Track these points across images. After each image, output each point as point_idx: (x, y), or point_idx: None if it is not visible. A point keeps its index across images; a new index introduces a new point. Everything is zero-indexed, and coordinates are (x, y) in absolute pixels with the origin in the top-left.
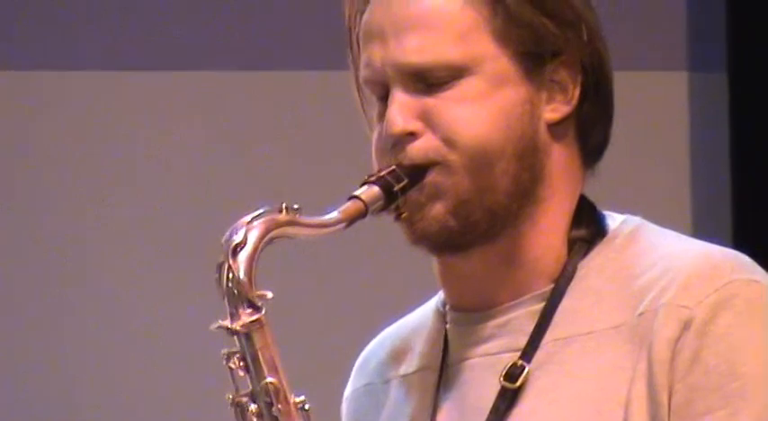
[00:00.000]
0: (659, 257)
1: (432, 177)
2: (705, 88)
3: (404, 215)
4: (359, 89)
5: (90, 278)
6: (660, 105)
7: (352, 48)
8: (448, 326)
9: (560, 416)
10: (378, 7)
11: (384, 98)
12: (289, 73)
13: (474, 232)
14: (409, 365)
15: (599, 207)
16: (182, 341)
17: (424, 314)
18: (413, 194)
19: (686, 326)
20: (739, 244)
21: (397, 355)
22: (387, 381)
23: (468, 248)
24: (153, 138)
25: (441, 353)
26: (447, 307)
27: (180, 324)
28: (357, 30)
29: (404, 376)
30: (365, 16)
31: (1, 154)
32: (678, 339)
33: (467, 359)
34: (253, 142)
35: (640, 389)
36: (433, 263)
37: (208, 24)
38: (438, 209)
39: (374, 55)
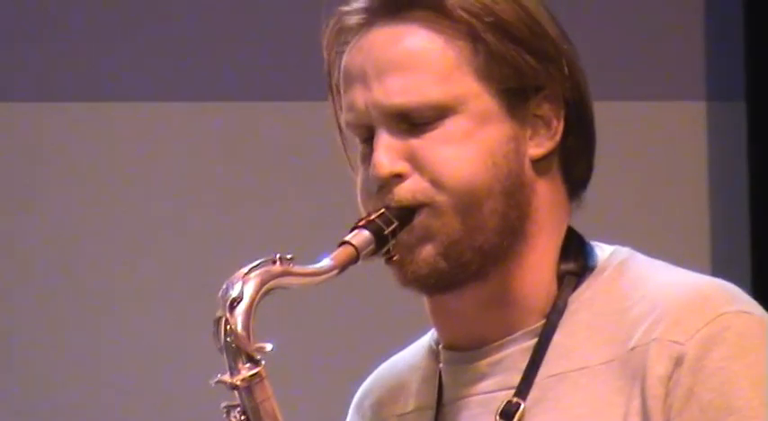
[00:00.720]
0: (648, 290)
1: (420, 219)
2: (723, 117)
3: (395, 258)
4: (341, 131)
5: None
6: (679, 135)
7: (332, 91)
8: (441, 365)
9: None
10: (358, 50)
11: (368, 140)
12: (283, 104)
13: (465, 272)
14: (405, 405)
15: (611, 236)
16: (180, 394)
17: (417, 351)
18: (403, 236)
19: (678, 362)
20: (759, 273)
21: (392, 394)
22: (386, 419)
23: (458, 287)
24: (146, 172)
25: (436, 393)
26: (440, 345)
27: (175, 370)
28: (337, 74)
29: (400, 415)
30: (345, 59)
31: None
32: (671, 376)
33: (462, 398)
34: (248, 172)
35: None
36: (425, 301)
37: (197, 55)
38: (428, 251)
39: (356, 98)
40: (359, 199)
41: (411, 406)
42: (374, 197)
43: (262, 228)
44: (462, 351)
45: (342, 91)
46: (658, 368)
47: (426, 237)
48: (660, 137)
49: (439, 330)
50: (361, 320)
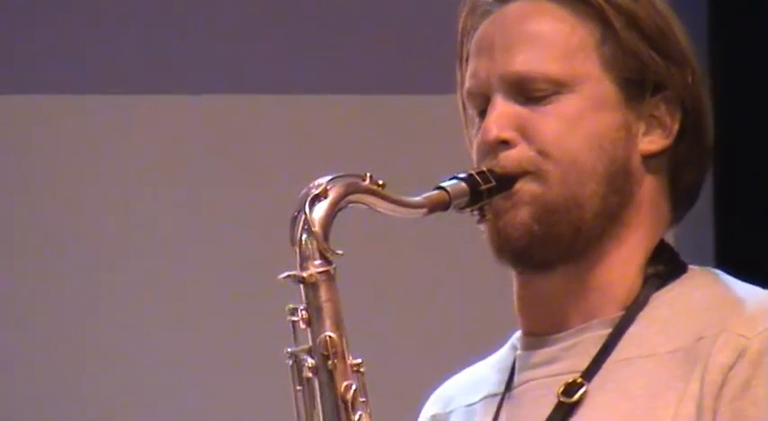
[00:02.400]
0: (729, 296)
1: (521, 184)
2: None
3: (487, 217)
4: (464, 108)
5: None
6: None
7: (460, 63)
8: (518, 352)
9: None
10: (491, 24)
11: (484, 113)
12: (285, 96)
13: (556, 245)
14: (476, 395)
15: None
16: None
17: (501, 352)
18: (499, 202)
19: (742, 354)
20: (721, 257)
21: (467, 388)
22: (451, 411)
23: (548, 267)
24: (138, 163)
25: (507, 379)
26: (519, 336)
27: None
28: (467, 47)
29: (468, 405)
30: (478, 32)
31: None
32: (732, 366)
33: (530, 380)
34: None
35: (689, 409)
36: (514, 286)
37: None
38: (523, 214)
39: (480, 66)
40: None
41: (481, 395)
42: (480, 162)
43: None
44: (540, 336)
45: (469, 62)
46: (721, 357)
47: (523, 202)
48: None
49: (521, 315)
50: (443, 275)
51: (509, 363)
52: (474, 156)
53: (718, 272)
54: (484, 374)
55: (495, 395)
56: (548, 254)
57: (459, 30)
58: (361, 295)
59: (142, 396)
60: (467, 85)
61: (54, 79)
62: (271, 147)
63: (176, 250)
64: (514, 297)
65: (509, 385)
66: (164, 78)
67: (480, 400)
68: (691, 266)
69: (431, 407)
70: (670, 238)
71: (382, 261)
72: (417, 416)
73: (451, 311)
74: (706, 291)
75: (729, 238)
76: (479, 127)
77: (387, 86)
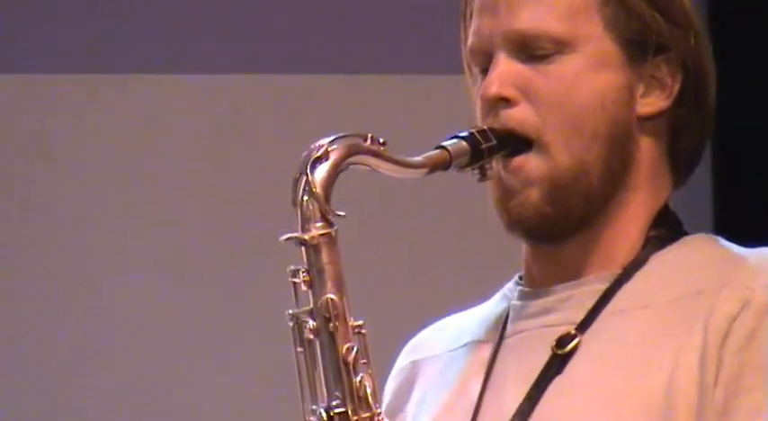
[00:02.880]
0: (731, 254)
1: (527, 162)
2: None
3: (488, 175)
4: (467, 65)
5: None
6: None
7: (464, 21)
8: (513, 301)
9: (604, 380)
10: None
11: (487, 71)
12: (294, 76)
13: (570, 219)
14: (460, 340)
15: None
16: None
17: (488, 304)
18: (509, 179)
19: (746, 304)
20: (720, 229)
21: (449, 336)
22: (434, 356)
23: (565, 238)
24: (150, 141)
25: (500, 329)
26: (516, 287)
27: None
28: (471, 3)
29: (452, 350)
30: None
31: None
32: (737, 316)
33: (524, 330)
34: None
35: (691, 359)
36: (523, 247)
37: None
38: (534, 195)
39: (484, 24)
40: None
41: (466, 340)
42: (481, 120)
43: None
44: (536, 287)
45: (472, 19)
46: (726, 307)
47: (531, 182)
48: None
49: (528, 270)
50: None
51: (501, 312)
52: (476, 113)
53: (717, 237)
54: (468, 322)
55: (481, 341)
56: (560, 229)
57: None
58: (363, 255)
59: (150, 350)
60: (470, 41)
61: (52, 60)
62: (277, 123)
63: (179, 215)
64: (523, 255)
65: (503, 333)
66: (159, 58)
67: (465, 345)
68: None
69: (407, 355)
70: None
71: (384, 221)
72: None
73: (452, 272)
74: (705, 250)
75: (728, 209)
76: (481, 84)
77: (397, 66)
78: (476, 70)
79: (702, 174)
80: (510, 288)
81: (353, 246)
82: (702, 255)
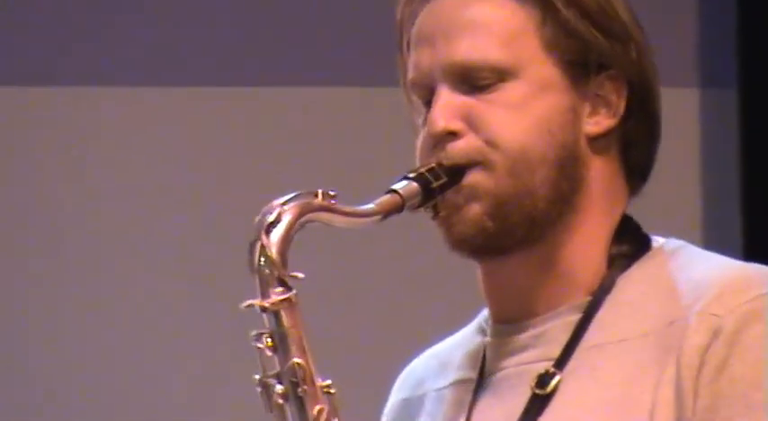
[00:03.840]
0: (695, 272)
1: (471, 177)
2: (715, 104)
3: (441, 213)
4: (407, 96)
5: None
6: (671, 121)
7: (401, 53)
8: (487, 339)
9: (587, 420)
10: (429, 13)
11: (429, 103)
12: (286, 88)
13: (512, 236)
14: (446, 379)
15: None
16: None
17: (467, 333)
18: (451, 196)
19: (716, 333)
20: (750, 259)
21: (435, 371)
22: (422, 395)
23: (506, 253)
24: (144, 153)
25: (479, 366)
26: (488, 321)
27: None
28: (407, 35)
29: (438, 389)
30: (417, 21)
31: None
32: (708, 347)
33: (502, 369)
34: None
35: (667, 394)
36: (478, 272)
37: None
38: (475, 210)
39: (422, 57)
40: (417, 159)
41: (451, 379)
42: (429, 155)
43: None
44: (508, 323)
45: (410, 52)
46: (696, 338)
47: (474, 197)
48: None
49: (488, 301)
50: (397, 275)
51: (477, 348)
52: (418, 146)
53: (682, 243)
54: (451, 356)
55: (465, 381)
56: (503, 243)
57: (398, 18)
58: (327, 308)
59: None
60: (410, 76)
61: (48, 71)
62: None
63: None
64: (480, 285)
65: (481, 373)
66: (151, 70)
67: (450, 385)
68: (654, 239)
69: (400, 390)
70: (698, 239)
71: (346, 272)
72: None
73: (418, 317)
74: (671, 268)
75: (756, 236)
76: (425, 118)
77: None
78: (418, 102)
79: (730, 189)
80: (485, 319)
81: (316, 300)
82: (668, 274)
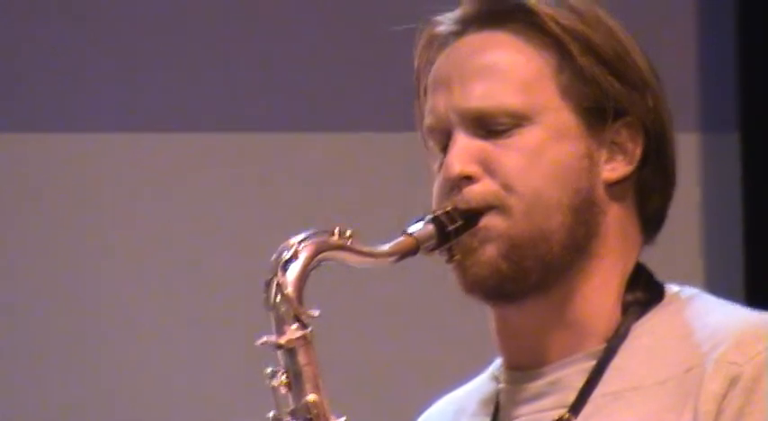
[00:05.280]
0: (711, 320)
1: (487, 220)
2: (717, 148)
3: (455, 257)
4: (425, 140)
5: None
6: None
7: (418, 98)
8: (500, 385)
9: None
10: (446, 59)
11: (446, 148)
12: (294, 134)
13: (526, 280)
14: None
15: None
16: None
17: (478, 380)
18: (466, 239)
19: (734, 382)
20: (752, 306)
21: (449, 418)
22: None
23: (520, 298)
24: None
25: (492, 413)
26: (501, 368)
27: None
28: (425, 80)
29: None
30: (434, 67)
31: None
32: (725, 395)
33: (517, 417)
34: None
35: None
36: (490, 319)
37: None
38: (490, 252)
39: (439, 102)
40: (433, 205)
41: None
42: (445, 199)
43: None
44: (522, 370)
45: (427, 97)
46: (714, 385)
47: (489, 239)
48: None
49: (501, 348)
50: (414, 315)
51: (491, 396)
52: (435, 191)
53: (696, 291)
54: (465, 403)
55: None
56: (517, 287)
57: (416, 64)
58: (342, 346)
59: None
60: (427, 121)
61: (49, 117)
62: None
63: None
64: (493, 332)
65: (495, 419)
66: (154, 116)
67: None
68: (668, 286)
69: None
70: (700, 285)
71: (360, 310)
72: None
73: (432, 356)
74: (687, 316)
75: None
76: (441, 163)
77: (394, 124)
78: (434, 148)
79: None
80: (497, 367)
81: (331, 338)
82: (684, 322)
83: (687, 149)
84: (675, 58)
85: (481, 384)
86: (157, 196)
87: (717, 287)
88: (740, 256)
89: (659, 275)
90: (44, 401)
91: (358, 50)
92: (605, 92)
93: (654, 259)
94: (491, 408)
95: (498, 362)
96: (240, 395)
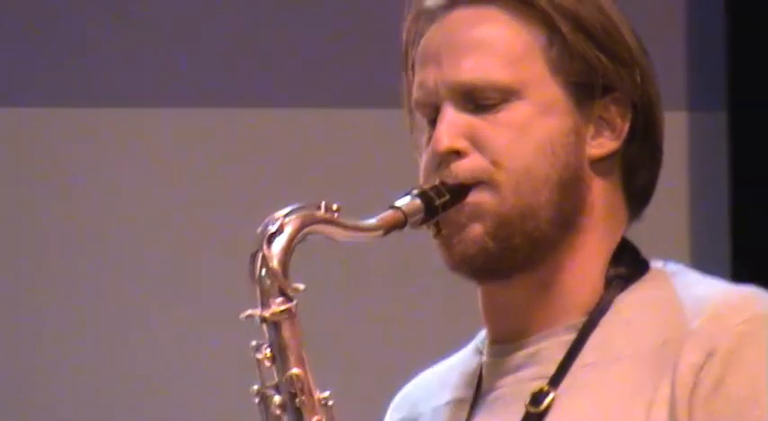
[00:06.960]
0: (691, 293)
1: (475, 196)
2: (705, 127)
3: (443, 232)
4: (410, 114)
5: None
6: None
7: (406, 72)
8: (484, 358)
9: None
10: (435, 32)
11: (434, 122)
12: (291, 110)
13: (513, 258)
14: (442, 398)
15: None
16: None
17: (464, 353)
18: (453, 215)
19: (711, 353)
20: (737, 282)
21: (431, 391)
22: (418, 415)
23: (508, 276)
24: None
25: (474, 385)
26: (485, 342)
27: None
28: (413, 54)
29: (434, 408)
30: (423, 41)
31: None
32: (703, 366)
33: (498, 388)
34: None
35: (661, 413)
36: (478, 294)
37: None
38: (477, 230)
39: (428, 76)
40: (420, 178)
41: (447, 398)
42: (433, 173)
43: None
44: (504, 344)
45: (415, 70)
46: (691, 357)
47: (477, 216)
48: None
49: (486, 322)
50: (400, 292)
51: (474, 368)
52: (422, 165)
53: (680, 267)
54: (448, 376)
55: (461, 400)
56: (504, 265)
57: (404, 37)
58: (327, 320)
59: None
60: (415, 95)
61: (51, 92)
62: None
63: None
64: (480, 306)
65: (477, 392)
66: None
67: (446, 404)
68: (653, 262)
69: (396, 411)
70: (686, 262)
71: (345, 284)
72: None
73: (418, 333)
74: (669, 289)
75: (745, 260)
76: (430, 136)
77: (381, 100)
78: (422, 122)
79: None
80: (481, 340)
81: (316, 311)
82: (664, 296)
83: (675, 128)
84: (663, 37)
85: (465, 357)
86: (142, 172)
87: (703, 263)
88: (727, 234)
89: (645, 251)
90: (41, 394)
91: (345, 25)
92: (594, 67)
93: (640, 236)
94: (474, 381)
95: (482, 335)
96: (225, 368)
